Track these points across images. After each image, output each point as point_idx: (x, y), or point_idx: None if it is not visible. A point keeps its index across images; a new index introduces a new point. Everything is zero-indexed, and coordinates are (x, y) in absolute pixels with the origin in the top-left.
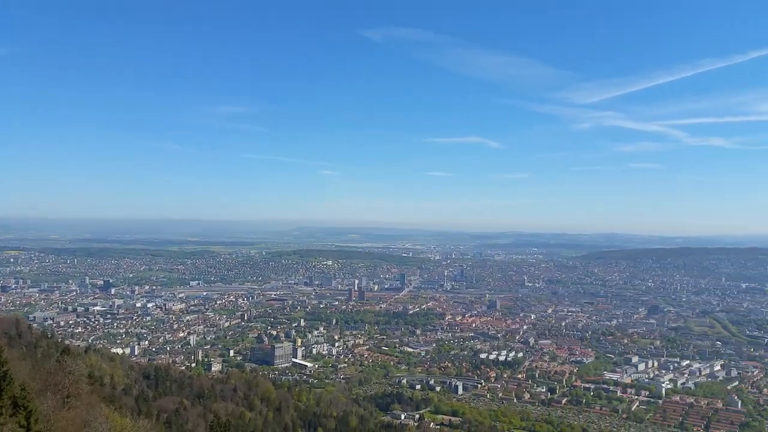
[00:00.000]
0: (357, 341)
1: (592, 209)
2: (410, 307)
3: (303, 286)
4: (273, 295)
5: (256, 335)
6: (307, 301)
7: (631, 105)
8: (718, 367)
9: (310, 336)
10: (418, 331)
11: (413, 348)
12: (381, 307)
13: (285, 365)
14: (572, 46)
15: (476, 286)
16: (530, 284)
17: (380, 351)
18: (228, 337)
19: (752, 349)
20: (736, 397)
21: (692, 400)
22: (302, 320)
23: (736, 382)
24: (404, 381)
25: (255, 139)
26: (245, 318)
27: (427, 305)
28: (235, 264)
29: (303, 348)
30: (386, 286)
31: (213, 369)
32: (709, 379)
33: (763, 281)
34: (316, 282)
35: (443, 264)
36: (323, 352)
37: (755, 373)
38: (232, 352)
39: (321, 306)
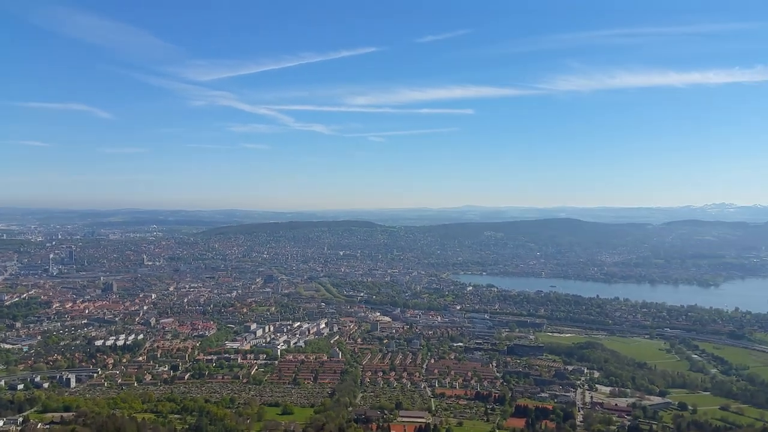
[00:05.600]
0: None
1: (210, 186)
2: (7, 297)
3: None
4: None
5: None
6: None
7: (243, 88)
8: (323, 325)
9: None
10: (19, 324)
11: (13, 343)
12: None
13: None
14: (178, 20)
15: (89, 269)
16: (150, 263)
17: None
18: None
19: (349, 306)
20: (337, 349)
21: (303, 357)
22: None
23: (337, 336)
24: (2, 382)
25: None
26: None
27: (29, 293)
28: None
29: None
30: None
31: None
32: (317, 337)
33: (355, 249)
34: None
35: (47, 246)
36: None
37: (351, 327)
38: None
39: None
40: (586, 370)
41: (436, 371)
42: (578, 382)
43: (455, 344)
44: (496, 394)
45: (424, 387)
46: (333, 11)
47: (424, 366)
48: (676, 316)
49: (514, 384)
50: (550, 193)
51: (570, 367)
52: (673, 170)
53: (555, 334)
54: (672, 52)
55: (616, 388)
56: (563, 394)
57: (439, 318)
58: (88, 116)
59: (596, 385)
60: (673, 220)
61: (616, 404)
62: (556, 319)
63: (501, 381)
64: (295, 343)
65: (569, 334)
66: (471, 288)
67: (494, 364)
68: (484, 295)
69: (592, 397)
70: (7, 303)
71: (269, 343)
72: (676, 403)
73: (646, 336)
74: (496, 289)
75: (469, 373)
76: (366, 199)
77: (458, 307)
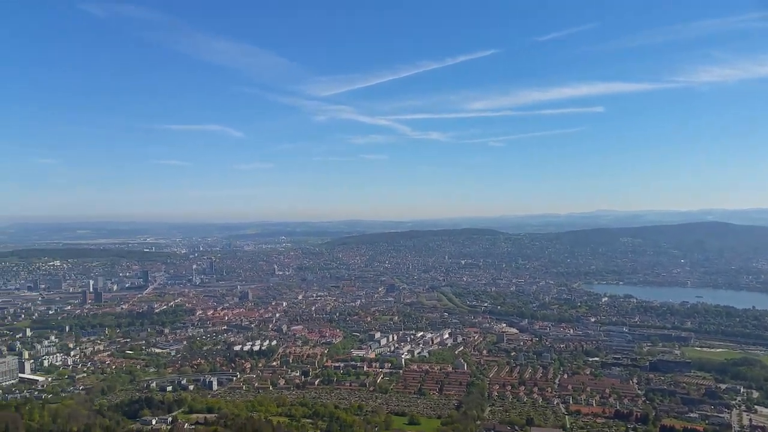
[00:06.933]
0: (97, 347)
1: (333, 197)
2: (156, 305)
3: (26, 291)
4: None
5: None
6: (33, 307)
7: (361, 100)
8: (446, 335)
9: (39, 347)
10: (167, 330)
11: (162, 348)
12: (123, 308)
13: (11, 382)
14: (302, 40)
15: (227, 278)
16: (281, 272)
17: (124, 355)
18: None
19: (473, 317)
20: (462, 360)
21: (427, 367)
22: (28, 330)
23: (462, 347)
24: (153, 384)
25: None
26: None
27: (176, 302)
28: None
29: (32, 361)
30: (127, 285)
31: None
32: (440, 347)
33: (477, 258)
34: (43, 285)
35: (191, 258)
36: (57, 364)
37: (476, 338)
38: None
39: (50, 312)
40: (742, 390)
41: (569, 387)
42: (733, 402)
43: (590, 359)
44: (638, 413)
45: (557, 403)
46: (449, 18)
47: (556, 381)
48: None
49: (658, 402)
50: (694, 194)
51: (723, 386)
52: None
53: (704, 349)
54: None
55: None
56: (716, 415)
57: (572, 330)
58: (222, 135)
59: (755, 407)
60: None
61: None
62: (705, 333)
63: (643, 399)
64: (419, 352)
65: (721, 349)
66: (606, 299)
67: (635, 381)
68: (622, 306)
69: (751, 419)
70: (156, 311)
71: (393, 352)
72: None
73: None
74: (634, 300)
75: (607, 390)
76: (488, 206)
77: (592, 319)
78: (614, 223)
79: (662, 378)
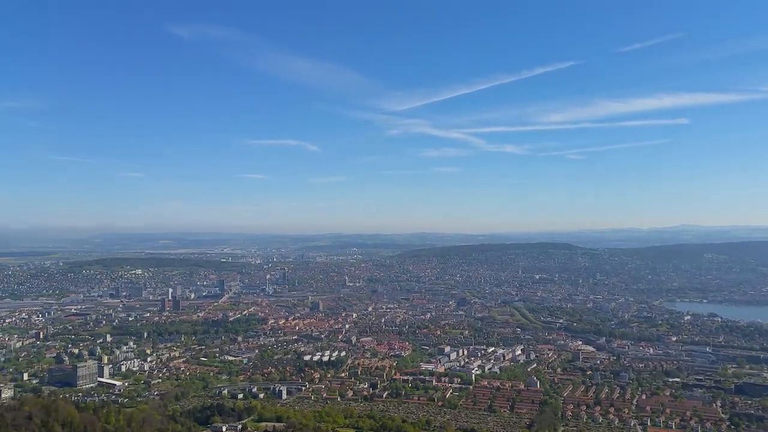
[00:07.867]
0: (172, 354)
1: (405, 210)
2: (231, 313)
3: (108, 299)
4: (73, 310)
5: (55, 355)
6: (114, 314)
7: (435, 114)
8: (519, 352)
9: (118, 352)
10: (240, 338)
11: (235, 356)
12: (199, 316)
13: (90, 386)
14: (378, 55)
15: (299, 289)
16: (351, 284)
17: (199, 362)
18: (21, 359)
19: (547, 333)
20: (535, 378)
21: (498, 384)
22: (108, 335)
23: (535, 364)
24: (225, 391)
25: (46, 136)
26: (41, 336)
27: (249, 311)
28: (26, 277)
29: (111, 366)
30: (204, 294)
31: (3, 396)
32: (512, 363)
33: (552, 272)
34: (124, 293)
35: (265, 268)
36: (134, 369)
37: (550, 355)
38: (26, 376)
39: (130, 319)
40: None
41: (648, 408)
42: None
43: (671, 380)
44: None
45: (634, 425)
46: (526, 30)
47: (634, 402)
48: None
49: (744, 428)
50: None
51: None
52: None
53: None
54: None
55: None
56: None
57: (651, 350)
58: (299, 150)
59: None
60: None
61: None
62: None
63: (727, 424)
64: (490, 368)
65: None
66: (689, 317)
67: (718, 404)
68: (705, 325)
69: None
70: (231, 319)
71: (463, 367)
72: None
73: None
74: (719, 319)
75: (688, 413)
76: (564, 219)
77: (674, 339)
78: (699, 238)
79: (749, 402)
